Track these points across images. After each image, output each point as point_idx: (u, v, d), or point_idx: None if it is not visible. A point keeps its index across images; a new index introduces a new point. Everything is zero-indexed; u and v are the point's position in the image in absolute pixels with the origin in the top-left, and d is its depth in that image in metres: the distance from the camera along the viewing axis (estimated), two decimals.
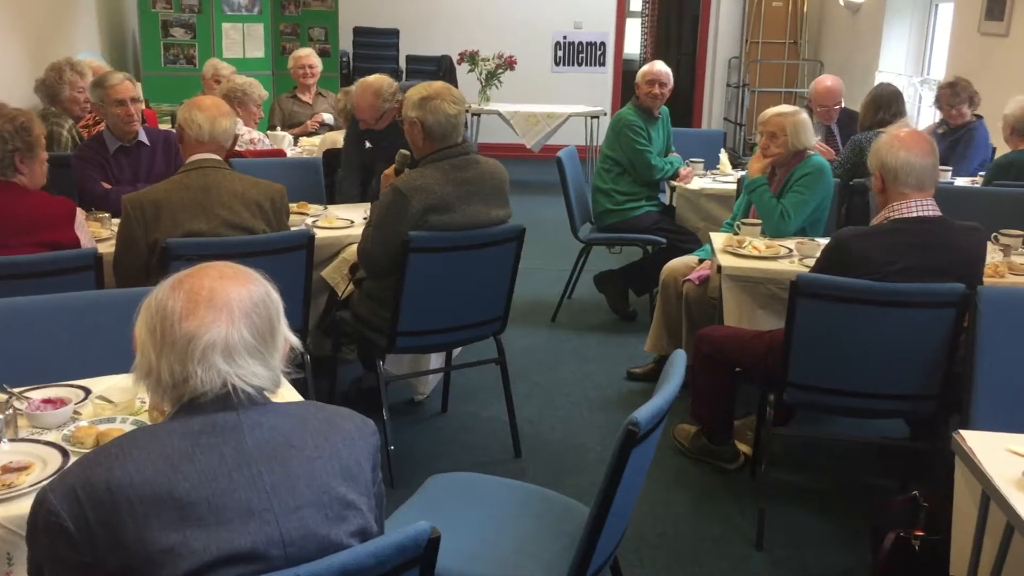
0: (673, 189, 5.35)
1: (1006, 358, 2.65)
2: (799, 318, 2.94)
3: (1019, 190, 4.41)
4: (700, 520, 3.31)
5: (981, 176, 5.17)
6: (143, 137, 4.16)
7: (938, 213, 2.99)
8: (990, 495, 2.04)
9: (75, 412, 2.15)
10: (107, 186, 4.02)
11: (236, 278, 1.45)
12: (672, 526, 3.27)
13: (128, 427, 2.08)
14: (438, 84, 3.43)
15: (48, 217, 3.06)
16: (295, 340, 1.52)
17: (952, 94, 5.26)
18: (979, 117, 5.36)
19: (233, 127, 3.34)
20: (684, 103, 11.04)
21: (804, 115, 4.17)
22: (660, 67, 5.29)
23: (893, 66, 8.68)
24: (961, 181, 5.10)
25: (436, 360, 4.09)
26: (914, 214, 2.97)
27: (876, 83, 8.61)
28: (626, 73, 11.54)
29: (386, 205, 3.29)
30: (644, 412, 1.88)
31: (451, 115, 3.29)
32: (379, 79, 4.36)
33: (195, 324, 1.38)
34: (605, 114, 9.65)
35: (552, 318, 5.33)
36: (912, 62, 8.59)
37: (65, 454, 1.93)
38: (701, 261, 4.32)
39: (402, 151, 3.65)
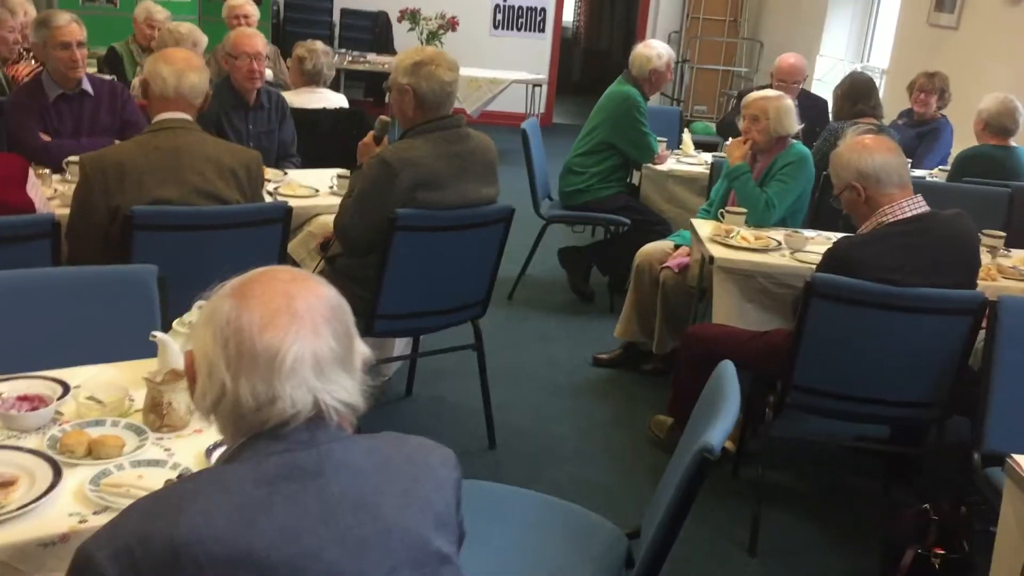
0: (639, 169, 5.19)
1: None
2: (811, 320, 2.82)
3: (988, 188, 4.40)
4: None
5: (940, 169, 5.19)
6: (87, 86, 3.76)
7: (927, 208, 2.93)
8: None
9: (56, 412, 1.88)
10: (46, 138, 3.64)
11: (305, 281, 1.25)
12: None
13: (120, 431, 1.82)
14: (430, 49, 3.18)
15: None
16: (367, 350, 1.30)
17: (928, 82, 5.28)
18: (943, 116, 5.38)
19: (204, 83, 3.01)
20: None
21: (788, 100, 4.07)
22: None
23: (833, 51, 8.71)
24: (917, 174, 5.09)
25: (401, 342, 3.86)
26: (908, 214, 2.90)
27: (816, 67, 8.68)
28: (564, 40, 11.34)
29: (371, 177, 3.03)
30: (715, 437, 1.72)
31: (446, 82, 3.06)
32: None
33: (279, 335, 1.17)
34: (547, 82, 9.45)
35: (509, 296, 5.14)
36: (853, 48, 8.63)
37: (55, 466, 1.66)
38: (677, 247, 4.19)
39: (382, 117, 3.39)
